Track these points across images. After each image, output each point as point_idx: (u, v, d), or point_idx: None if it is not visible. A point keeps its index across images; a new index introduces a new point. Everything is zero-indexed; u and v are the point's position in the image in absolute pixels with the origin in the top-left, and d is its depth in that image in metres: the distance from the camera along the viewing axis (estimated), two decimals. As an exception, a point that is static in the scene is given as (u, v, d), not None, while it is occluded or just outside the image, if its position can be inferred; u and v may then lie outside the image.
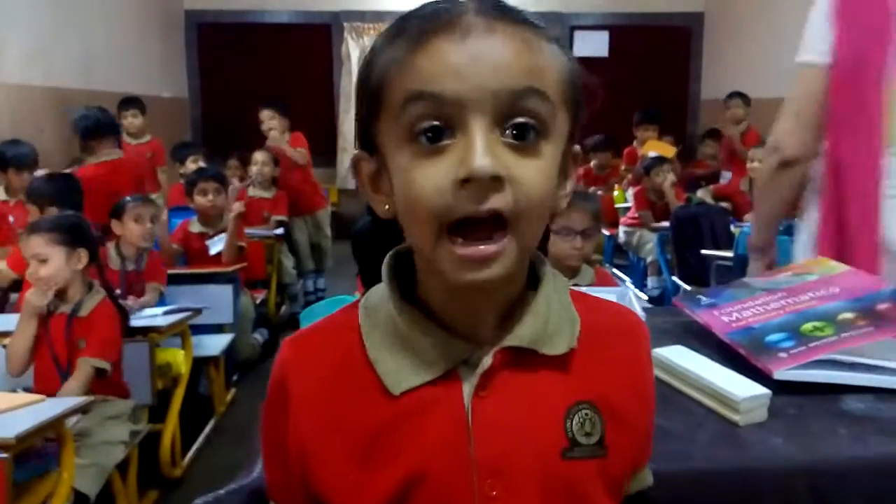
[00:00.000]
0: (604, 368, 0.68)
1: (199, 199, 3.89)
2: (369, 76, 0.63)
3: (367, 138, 0.65)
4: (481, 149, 0.57)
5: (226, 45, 7.42)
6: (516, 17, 0.61)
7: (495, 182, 0.57)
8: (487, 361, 0.64)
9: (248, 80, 7.38)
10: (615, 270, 3.69)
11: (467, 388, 0.64)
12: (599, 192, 5.17)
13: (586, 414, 0.66)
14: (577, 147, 0.68)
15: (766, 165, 1.63)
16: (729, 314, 1.33)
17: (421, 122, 0.59)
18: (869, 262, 1.43)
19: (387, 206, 0.66)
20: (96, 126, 3.89)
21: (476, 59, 0.58)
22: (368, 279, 0.73)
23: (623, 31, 7.22)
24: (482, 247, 0.58)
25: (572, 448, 0.65)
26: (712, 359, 1.19)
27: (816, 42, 1.52)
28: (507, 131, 0.59)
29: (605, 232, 4.88)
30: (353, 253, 0.85)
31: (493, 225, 0.58)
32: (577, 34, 7.20)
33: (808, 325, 1.21)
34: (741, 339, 1.23)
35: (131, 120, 5.01)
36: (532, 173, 0.59)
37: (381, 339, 0.66)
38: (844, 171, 1.47)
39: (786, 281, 1.41)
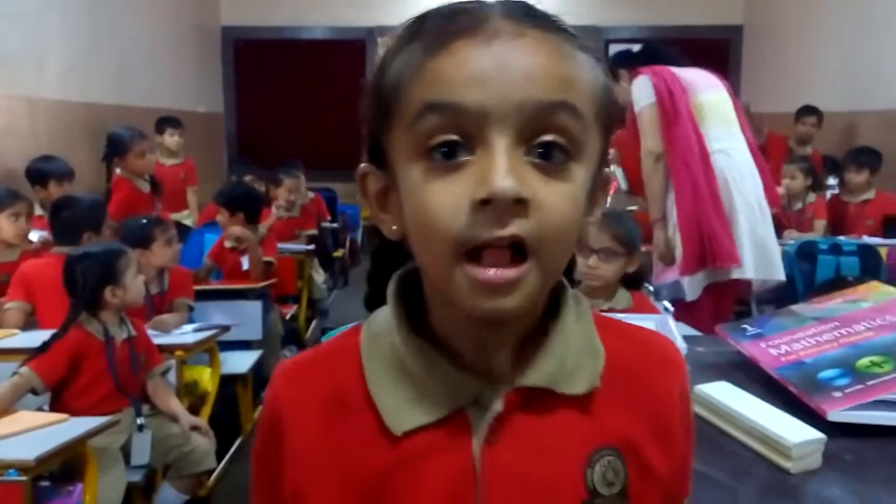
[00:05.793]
0: (630, 407, 0.61)
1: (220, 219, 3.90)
2: (382, 82, 0.57)
3: (375, 151, 0.59)
4: (504, 167, 0.50)
5: (261, 60, 7.50)
6: (548, 23, 0.55)
7: (518, 205, 0.51)
8: (499, 405, 0.57)
9: (283, 95, 7.45)
10: (650, 287, 3.59)
11: (477, 433, 0.58)
12: (635, 208, 5.04)
13: (609, 461, 0.59)
14: (607, 170, 0.61)
15: (649, 162, 2.71)
16: (777, 346, 1.24)
17: (436, 135, 0.52)
18: (710, 184, 2.61)
19: (394, 227, 0.60)
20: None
21: (502, 65, 0.51)
22: (372, 302, 0.66)
23: (660, 45, 7.11)
24: (502, 271, 0.52)
25: (592, 500, 0.58)
26: (760, 396, 1.11)
27: (644, 94, 2.71)
28: (533, 150, 0.52)
29: (642, 248, 4.75)
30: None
31: (514, 254, 0.52)
32: (613, 47, 7.11)
33: (864, 361, 1.12)
34: (791, 374, 1.14)
35: (177, 138, 4.97)
36: (559, 198, 0.53)
37: (383, 371, 0.60)
38: (688, 146, 2.64)
39: (837, 309, 1.33)
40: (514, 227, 0.51)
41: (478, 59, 0.51)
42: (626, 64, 2.95)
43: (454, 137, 0.52)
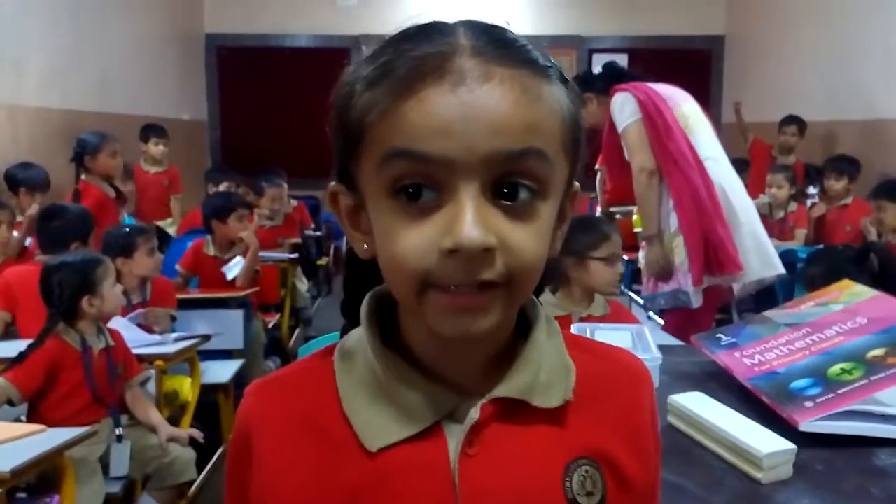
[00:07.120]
0: (603, 420, 0.62)
1: (236, 225, 3.84)
2: (348, 114, 0.57)
3: (344, 173, 0.60)
4: (470, 217, 0.51)
5: (245, 68, 7.45)
6: (516, 57, 0.54)
7: (486, 253, 0.52)
8: (475, 414, 0.58)
9: (267, 103, 7.42)
10: (632, 294, 3.60)
11: (453, 446, 0.58)
12: (618, 216, 5.07)
13: (587, 471, 0.59)
14: (576, 184, 0.62)
15: (642, 179, 2.66)
16: (751, 356, 1.25)
17: (403, 179, 0.53)
18: (710, 193, 2.59)
19: (365, 247, 0.60)
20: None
21: (468, 116, 0.51)
22: (348, 309, 0.66)
23: (642, 54, 7.14)
24: (469, 297, 0.53)
25: None
26: (733, 406, 1.11)
27: (628, 112, 2.70)
28: (500, 192, 0.53)
29: (624, 256, 4.79)
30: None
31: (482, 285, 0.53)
32: (596, 57, 7.15)
33: (835, 368, 1.13)
34: (764, 385, 1.15)
35: (162, 147, 4.98)
36: (526, 238, 0.54)
37: (358, 388, 0.60)
38: (684, 158, 2.61)
39: (810, 313, 1.34)
40: (483, 275, 0.52)
41: (444, 108, 0.51)
42: (590, 87, 2.92)
43: (421, 182, 0.53)
